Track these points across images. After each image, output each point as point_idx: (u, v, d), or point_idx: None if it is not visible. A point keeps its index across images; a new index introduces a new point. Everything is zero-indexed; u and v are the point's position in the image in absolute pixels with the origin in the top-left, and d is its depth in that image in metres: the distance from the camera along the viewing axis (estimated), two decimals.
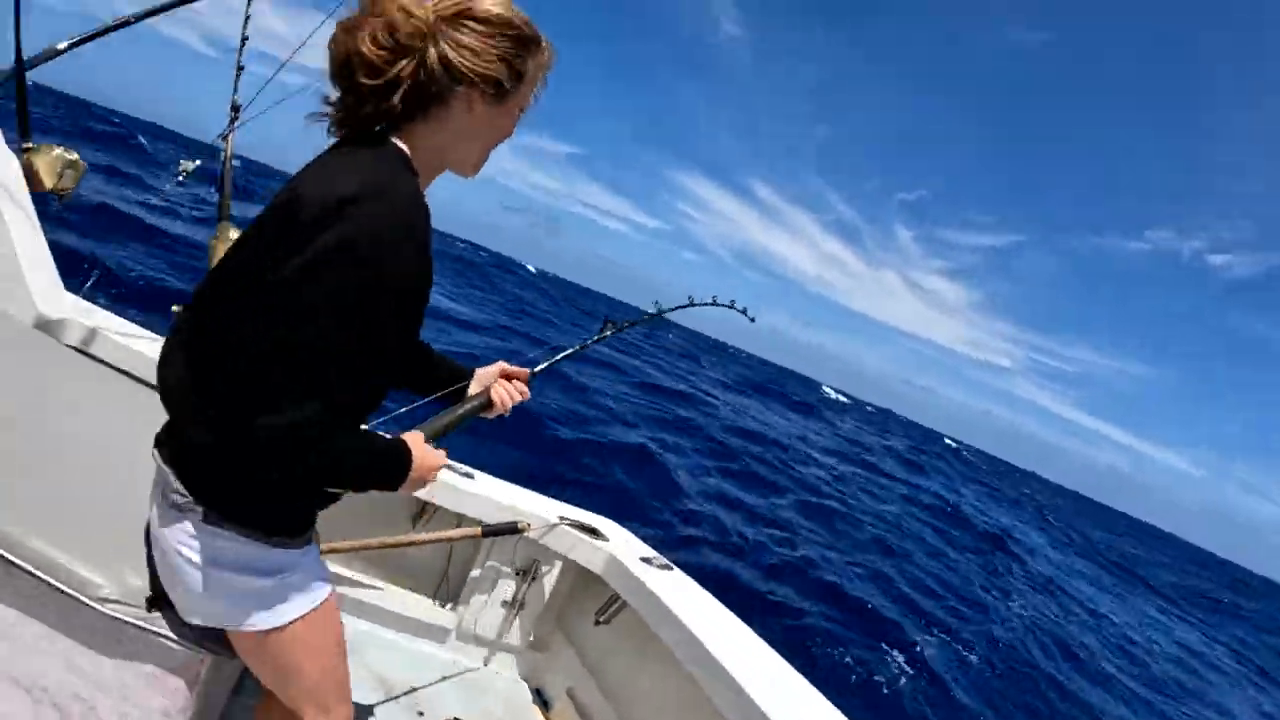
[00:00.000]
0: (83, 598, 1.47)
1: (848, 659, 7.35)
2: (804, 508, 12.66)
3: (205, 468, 1.25)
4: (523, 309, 27.64)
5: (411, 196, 1.21)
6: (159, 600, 1.36)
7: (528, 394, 1.77)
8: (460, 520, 2.80)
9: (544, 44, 1.36)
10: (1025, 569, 15.98)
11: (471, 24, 1.26)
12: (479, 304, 23.88)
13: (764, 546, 9.66)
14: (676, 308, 2.33)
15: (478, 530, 2.73)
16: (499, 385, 1.72)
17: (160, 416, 1.30)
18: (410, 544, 2.68)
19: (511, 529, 2.75)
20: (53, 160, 2.86)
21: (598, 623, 2.88)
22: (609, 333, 2.18)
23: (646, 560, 2.82)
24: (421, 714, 2.62)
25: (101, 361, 2.35)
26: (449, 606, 3.04)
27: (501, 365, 1.77)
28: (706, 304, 2.40)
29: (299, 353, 1.12)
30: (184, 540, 1.27)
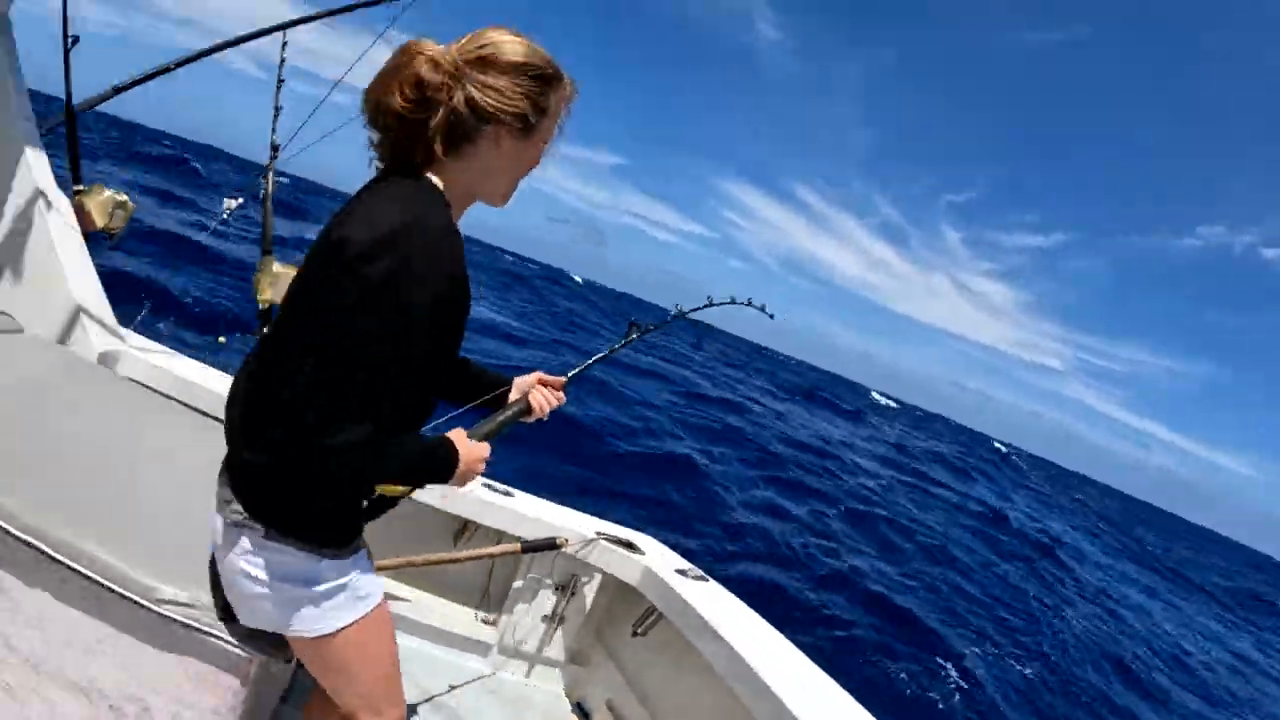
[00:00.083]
0: (140, 599, 1.54)
1: (899, 672, 7.21)
2: (851, 516, 12.48)
3: (261, 488, 1.35)
4: (572, 321, 27.79)
5: (445, 229, 1.29)
6: (224, 608, 1.46)
7: (564, 399, 1.86)
8: (500, 537, 2.86)
9: (565, 80, 1.43)
10: (1076, 577, 15.49)
11: (495, 65, 1.33)
12: (529, 318, 24.09)
13: (813, 557, 9.57)
14: (697, 309, 2.40)
15: (517, 546, 2.79)
16: (536, 391, 1.81)
17: (204, 433, 1.38)
18: (452, 561, 2.75)
19: (550, 545, 2.80)
20: (103, 202, 2.99)
21: (635, 635, 2.91)
22: (635, 336, 2.24)
23: (682, 572, 2.84)
24: None
25: (153, 390, 2.53)
26: (490, 621, 3.10)
27: (539, 374, 1.86)
28: (725, 303, 2.47)
29: (355, 378, 1.21)
30: (244, 555, 1.35)
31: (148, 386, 2.58)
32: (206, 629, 1.55)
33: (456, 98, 1.31)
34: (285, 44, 3.40)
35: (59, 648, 1.58)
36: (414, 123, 1.31)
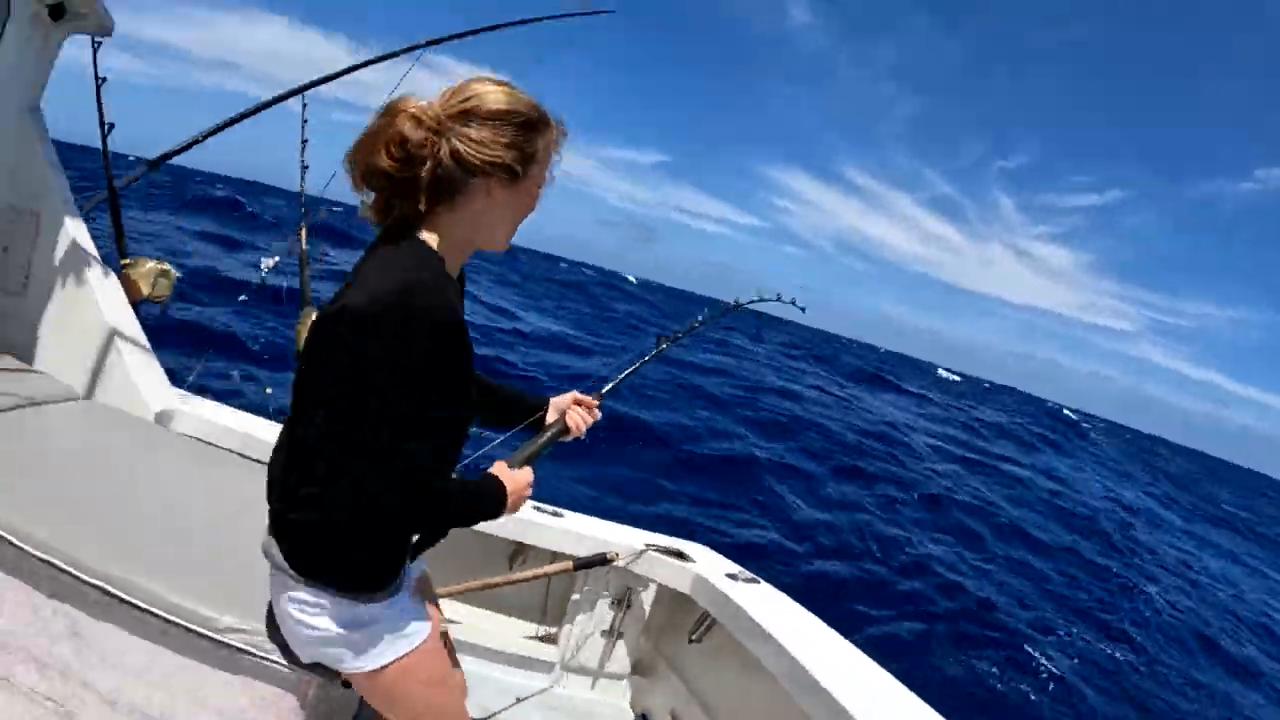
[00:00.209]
0: (203, 630, 1.65)
1: (985, 663, 7.04)
2: (921, 502, 12.19)
3: (300, 542, 1.43)
4: (631, 324, 27.76)
5: (435, 290, 1.31)
6: (282, 645, 1.56)
7: (599, 415, 1.92)
8: (554, 557, 2.92)
9: (552, 123, 1.44)
10: (1153, 547, 14.76)
11: (478, 117, 1.35)
12: (589, 325, 24.19)
13: (886, 548, 9.41)
14: (724, 313, 2.50)
15: (569, 564, 2.84)
16: (573, 411, 1.88)
17: (255, 477, 1.54)
18: (509, 583, 2.83)
19: (601, 560, 2.85)
20: (147, 272, 3.14)
21: (691, 642, 2.94)
22: (664, 346, 2.31)
23: (732, 576, 2.87)
24: None
25: (207, 443, 2.69)
26: (550, 639, 3.17)
27: (574, 394, 1.93)
28: (754, 301, 2.54)
29: (380, 441, 1.28)
30: (290, 602, 1.45)
31: (202, 440, 2.74)
32: (266, 655, 1.65)
33: (442, 152, 1.33)
34: (305, 105, 3.51)
35: (131, 682, 1.72)
36: (403, 180, 1.33)
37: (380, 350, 1.25)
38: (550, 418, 1.88)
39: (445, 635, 1.85)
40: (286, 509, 1.44)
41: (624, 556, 2.90)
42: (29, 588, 1.75)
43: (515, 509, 1.57)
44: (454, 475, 1.53)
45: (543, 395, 1.93)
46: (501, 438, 1.87)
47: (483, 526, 2.85)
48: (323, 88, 3.58)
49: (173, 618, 1.67)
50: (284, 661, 1.62)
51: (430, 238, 1.39)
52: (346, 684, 1.62)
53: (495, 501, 1.52)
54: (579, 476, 9.10)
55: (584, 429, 1.89)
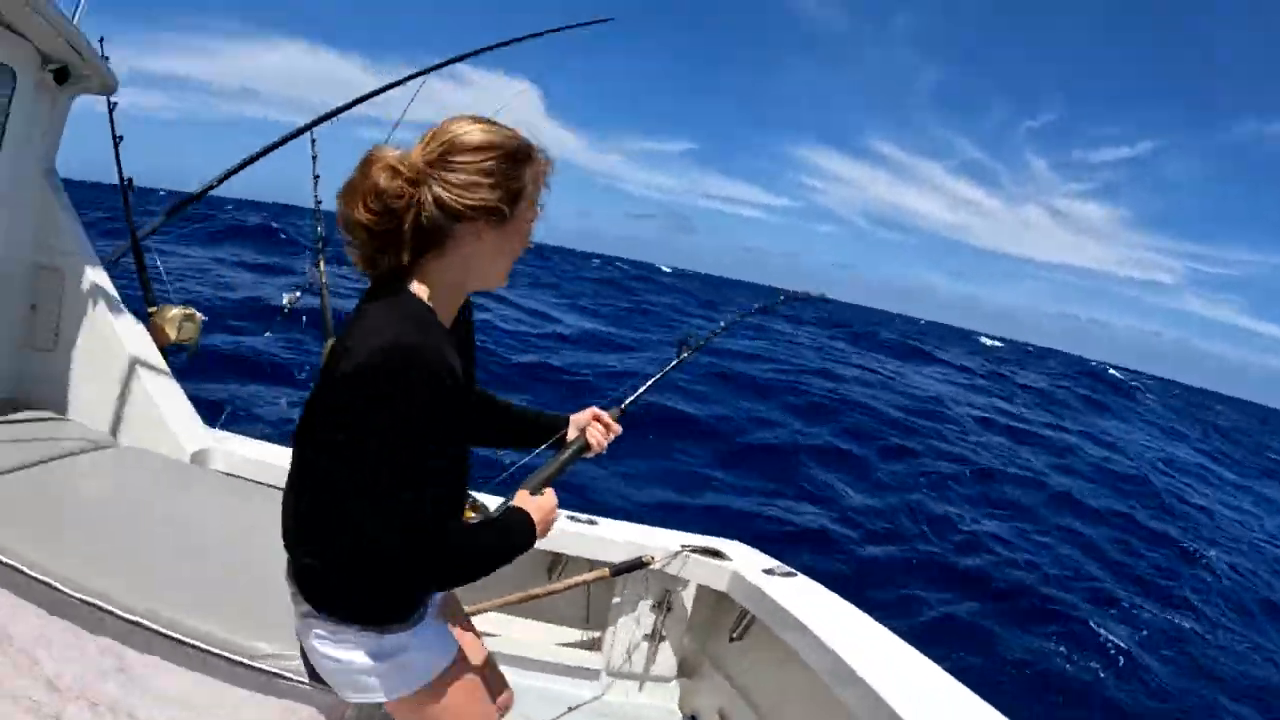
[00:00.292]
0: (242, 658, 1.71)
1: (1050, 643, 6.85)
2: (972, 477, 11.95)
3: (320, 586, 1.47)
4: (670, 317, 27.62)
5: (420, 348, 1.28)
6: (314, 675, 1.60)
7: (619, 429, 1.92)
8: (591, 565, 2.94)
9: (535, 153, 1.41)
10: (1208, 507, 14.22)
11: (458, 160, 1.32)
12: (626, 321, 24.13)
13: (938, 527, 9.27)
14: (746, 315, 2.63)
15: (606, 571, 2.86)
16: (592, 428, 1.88)
17: None
18: (548, 593, 2.86)
19: (637, 564, 2.87)
20: (173, 318, 3.23)
21: (732, 640, 2.95)
22: (686, 355, 2.29)
23: (769, 571, 2.87)
24: None
25: (242, 478, 2.76)
26: (595, 647, 3.21)
27: (593, 410, 1.93)
28: (779, 302, 2.66)
29: (380, 497, 1.29)
30: (317, 639, 1.49)
31: (236, 476, 2.81)
32: (302, 679, 1.70)
33: (424, 200, 1.30)
34: (314, 140, 3.55)
35: (177, 712, 1.78)
36: (383, 233, 1.31)
37: (376, 413, 1.26)
38: (571, 435, 1.89)
39: (483, 650, 1.92)
40: (302, 555, 1.47)
41: (660, 559, 2.92)
42: (75, 627, 1.83)
43: (545, 533, 1.58)
44: (482, 516, 1.60)
45: (561, 413, 1.94)
46: (526, 458, 1.89)
47: None
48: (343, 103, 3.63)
49: (211, 648, 1.73)
50: (320, 684, 1.67)
51: (420, 289, 1.38)
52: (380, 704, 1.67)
53: (525, 532, 1.53)
54: (628, 473, 9.15)
55: (605, 445, 1.90)
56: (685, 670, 3.20)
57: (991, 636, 6.79)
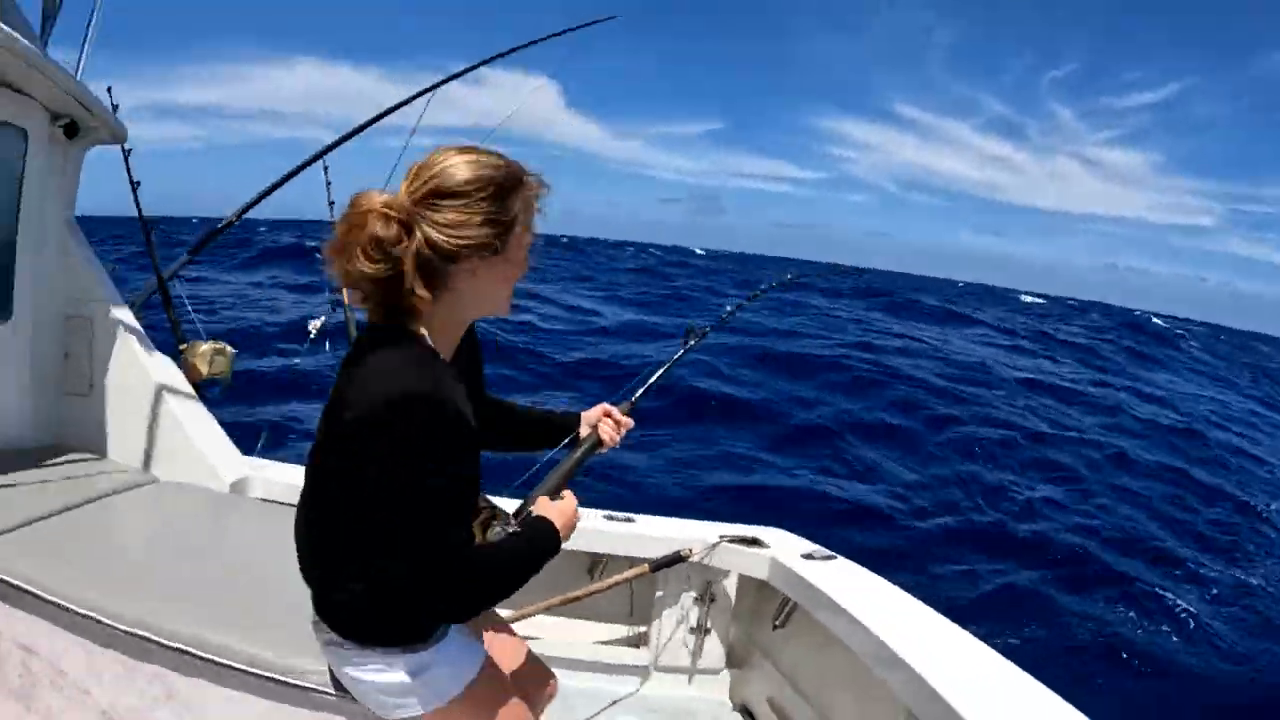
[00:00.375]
0: (282, 676, 1.76)
1: (1119, 609, 6.73)
2: (1023, 442, 11.76)
3: (340, 614, 1.51)
4: (705, 300, 27.50)
5: (431, 398, 1.29)
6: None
7: (630, 423, 1.96)
8: (631, 562, 2.95)
9: (525, 179, 1.41)
10: (1268, 458, 13.78)
11: (445, 201, 1.32)
12: (662, 308, 24.09)
13: (991, 497, 9.16)
14: (751, 298, 2.76)
15: (646, 567, 2.87)
16: (604, 424, 1.93)
17: None
18: (590, 594, 2.88)
19: (675, 559, 2.87)
20: (203, 353, 3.31)
21: (775, 628, 2.95)
22: (693, 342, 2.36)
23: (808, 556, 2.86)
24: None
25: (282, 504, 2.81)
26: (641, 644, 3.23)
27: (604, 406, 1.98)
28: (783, 282, 2.80)
29: (407, 536, 1.31)
30: (342, 664, 1.54)
31: (275, 501, 2.88)
32: (342, 693, 1.72)
33: (418, 241, 1.30)
34: (327, 168, 3.59)
35: None
36: (389, 279, 1.31)
37: (390, 460, 1.28)
38: (584, 432, 1.93)
39: (520, 647, 1.96)
40: (325, 590, 1.51)
41: (698, 551, 2.92)
42: (124, 658, 1.89)
43: (568, 537, 1.61)
44: (501, 524, 1.61)
45: (573, 411, 1.98)
46: (546, 458, 1.93)
47: None
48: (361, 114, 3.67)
49: (253, 668, 1.77)
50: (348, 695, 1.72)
51: (421, 329, 1.39)
52: None
53: (551, 538, 1.56)
54: (680, 458, 9.18)
55: (618, 440, 1.94)
56: (734, 661, 3.20)
57: (1054, 605, 6.69)
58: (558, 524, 1.58)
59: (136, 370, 2.98)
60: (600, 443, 1.91)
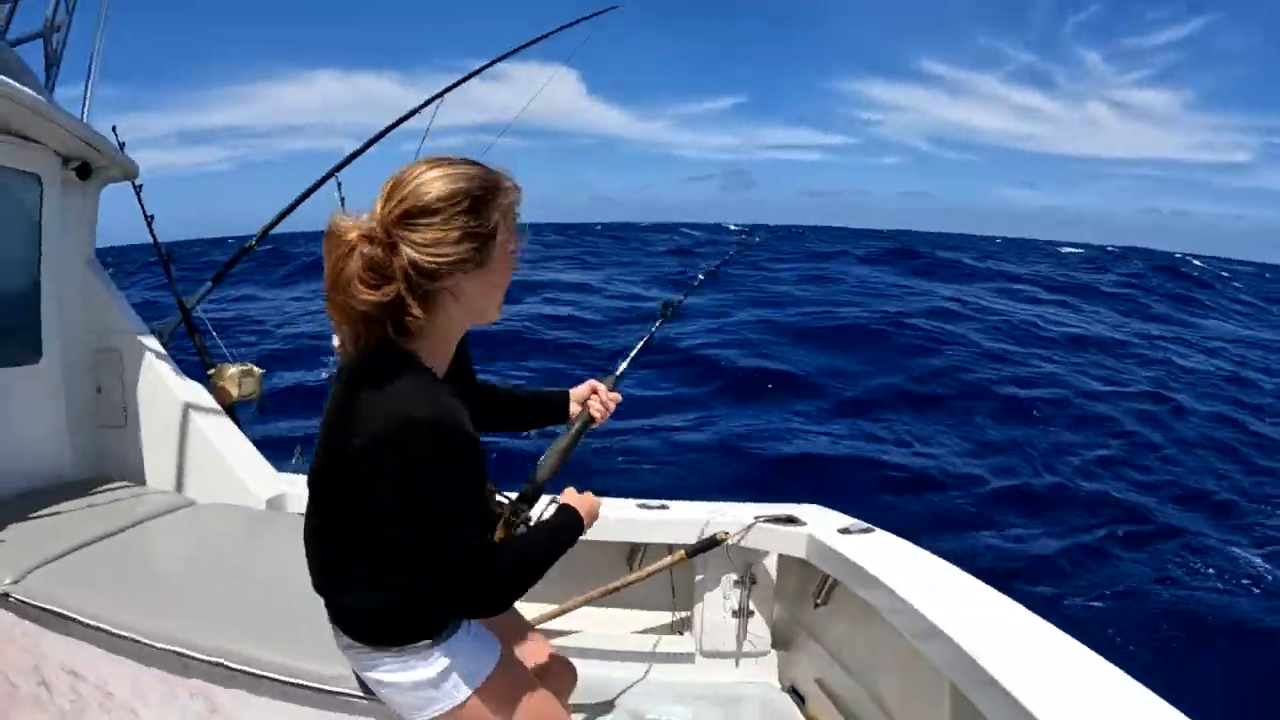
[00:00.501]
0: (317, 684, 1.81)
1: (1194, 568, 6.49)
2: (1077, 401, 11.46)
3: (355, 621, 1.57)
4: (742, 273, 27.21)
5: (436, 423, 1.31)
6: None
7: (618, 397, 2.04)
8: (669, 550, 2.94)
9: (501, 186, 1.41)
10: None
11: (420, 221, 1.31)
12: (709, 285, 23.83)
13: (1051, 458, 8.98)
14: (718, 266, 2.82)
15: (683, 554, 2.87)
16: (593, 400, 2.00)
17: None
18: (629, 584, 2.88)
19: (712, 543, 2.87)
20: (232, 376, 3.40)
21: (816, 606, 2.93)
22: (669, 313, 2.46)
23: (845, 530, 2.81)
24: None
25: None
26: (684, 630, 3.23)
27: (591, 382, 2.03)
28: (748, 242, 2.60)
29: (426, 549, 1.36)
30: (364, 667, 1.60)
31: None
32: (370, 697, 1.77)
33: (403, 262, 1.30)
34: (340, 184, 3.65)
35: None
36: (390, 303, 1.31)
37: (399, 483, 1.31)
38: (573, 409, 2.00)
39: (541, 642, 1.99)
40: (343, 603, 1.56)
41: (735, 534, 2.90)
42: (166, 675, 1.97)
43: (591, 524, 1.70)
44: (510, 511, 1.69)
45: (561, 390, 2.03)
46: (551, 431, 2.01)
47: (597, 535, 2.94)
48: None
49: (289, 678, 1.83)
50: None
51: (414, 347, 1.40)
52: None
53: (575, 526, 1.64)
54: (724, 435, 9.20)
55: (607, 415, 2.01)
56: (779, 642, 3.17)
57: (1121, 568, 6.52)
58: (582, 511, 1.66)
59: (168, 398, 3.08)
60: (592, 419, 1.99)
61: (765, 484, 7.61)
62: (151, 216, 3.42)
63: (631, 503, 3.13)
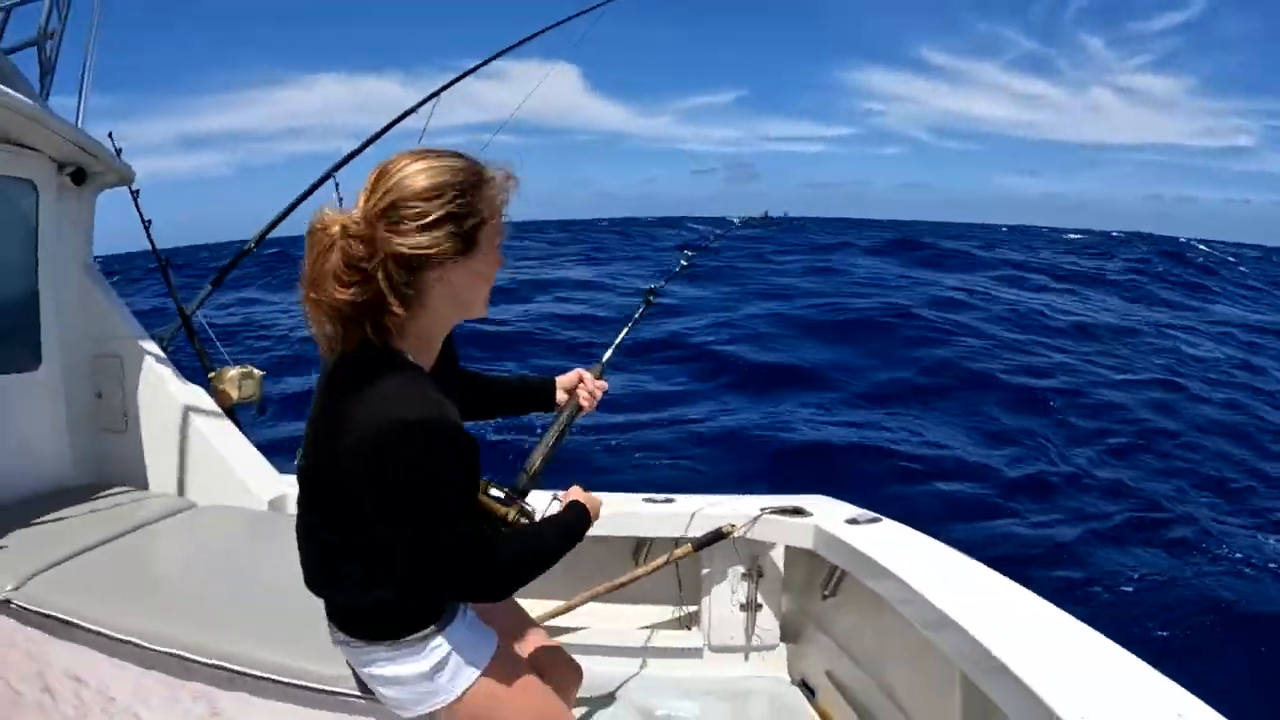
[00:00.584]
0: (318, 685, 1.81)
1: (1214, 563, 6.35)
2: (1086, 390, 11.34)
3: (349, 617, 1.57)
4: (750, 266, 27.12)
5: (430, 423, 1.30)
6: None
7: (605, 385, 2.06)
8: (675, 544, 2.93)
9: (489, 175, 1.39)
10: None
11: (406, 212, 1.29)
12: (711, 281, 23.84)
13: (1067, 447, 8.91)
14: (700, 250, 2.87)
15: (689, 547, 2.85)
16: (580, 389, 2.02)
17: None
18: (635, 579, 2.86)
19: (718, 536, 2.84)
20: (232, 378, 3.40)
21: (825, 598, 2.90)
22: (650, 299, 2.48)
23: (852, 520, 2.79)
24: None
25: None
26: (693, 626, 3.21)
27: (578, 371, 2.05)
28: (735, 228, 3.07)
29: (427, 543, 1.36)
30: (358, 662, 1.60)
31: None
32: (370, 697, 1.76)
33: (385, 257, 1.29)
34: (338, 184, 3.64)
35: None
36: (366, 303, 1.30)
37: (391, 482, 1.30)
38: (560, 397, 2.02)
39: (541, 637, 1.99)
40: (336, 600, 1.57)
41: (741, 526, 2.88)
42: (168, 679, 1.97)
43: (595, 519, 1.71)
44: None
45: (548, 377, 2.04)
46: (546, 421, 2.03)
47: (602, 530, 2.92)
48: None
49: (292, 679, 1.83)
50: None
51: (399, 344, 1.39)
52: None
53: (583, 520, 1.67)
54: (734, 427, 9.20)
55: (594, 403, 2.03)
56: (788, 635, 3.15)
57: (1142, 554, 6.44)
58: (590, 507, 1.69)
59: (168, 401, 3.08)
60: (580, 407, 2.01)
61: (775, 476, 7.58)
62: (149, 221, 3.43)
63: (636, 497, 3.11)
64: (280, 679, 1.84)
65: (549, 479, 1.96)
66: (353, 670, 1.70)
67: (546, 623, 2.87)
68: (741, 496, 3.15)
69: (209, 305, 3.61)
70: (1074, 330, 16.40)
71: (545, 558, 1.53)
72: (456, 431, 1.33)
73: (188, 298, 3.59)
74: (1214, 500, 7.68)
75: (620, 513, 2.96)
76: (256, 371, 3.47)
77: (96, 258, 3.21)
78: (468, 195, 1.34)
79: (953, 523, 6.41)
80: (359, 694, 1.75)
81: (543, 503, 1.80)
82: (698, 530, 2.90)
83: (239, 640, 1.90)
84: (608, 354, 2.22)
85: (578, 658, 2.05)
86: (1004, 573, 2.31)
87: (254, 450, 3.16)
